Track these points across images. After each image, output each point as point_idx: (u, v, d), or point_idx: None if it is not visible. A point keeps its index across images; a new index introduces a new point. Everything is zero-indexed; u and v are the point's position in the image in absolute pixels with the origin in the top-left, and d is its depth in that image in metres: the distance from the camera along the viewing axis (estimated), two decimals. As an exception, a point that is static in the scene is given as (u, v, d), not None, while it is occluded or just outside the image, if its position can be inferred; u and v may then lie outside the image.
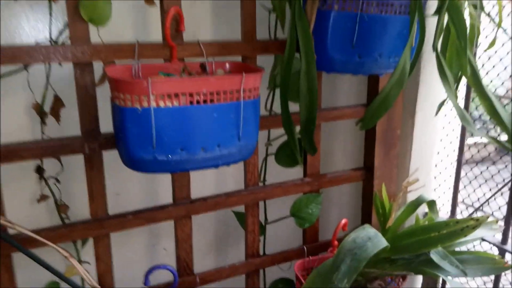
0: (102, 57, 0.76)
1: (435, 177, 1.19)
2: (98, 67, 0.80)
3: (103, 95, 0.78)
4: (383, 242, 0.84)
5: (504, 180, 1.11)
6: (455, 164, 1.12)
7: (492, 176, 1.16)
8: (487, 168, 1.12)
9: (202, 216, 1.04)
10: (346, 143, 1.21)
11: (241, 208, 1.00)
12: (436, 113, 0.99)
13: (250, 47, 0.87)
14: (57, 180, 0.88)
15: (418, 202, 0.98)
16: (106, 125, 0.79)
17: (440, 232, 0.85)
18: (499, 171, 1.16)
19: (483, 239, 1.06)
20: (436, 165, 1.18)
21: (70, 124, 0.84)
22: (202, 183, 1.02)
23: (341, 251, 0.83)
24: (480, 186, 1.25)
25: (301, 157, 0.99)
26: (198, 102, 0.70)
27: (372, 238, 0.85)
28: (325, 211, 1.20)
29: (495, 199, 1.18)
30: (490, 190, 1.22)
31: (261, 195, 0.98)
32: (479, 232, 1.00)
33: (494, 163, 1.17)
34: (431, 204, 0.99)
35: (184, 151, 0.70)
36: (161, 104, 0.67)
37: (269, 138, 1.04)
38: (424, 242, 0.88)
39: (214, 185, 1.05)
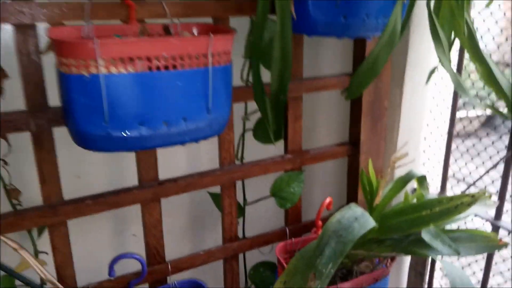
0: (47, 17, 0.65)
1: (424, 151, 1.12)
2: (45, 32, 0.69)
3: (53, 63, 0.67)
4: (370, 223, 0.77)
5: (497, 153, 1.05)
6: (445, 136, 1.05)
7: (480, 152, 1.10)
8: (480, 139, 1.06)
9: (174, 198, 0.96)
10: (330, 116, 1.13)
11: (217, 189, 0.92)
12: (427, 81, 0.91)
13: (221, 7, 0.76)
14: (5, 162, 0.78)
15: (407, 178, 0.91)
16: (57, 98, 0.68)
17: (432, 210, 0.79)
18: (492, 143, 1.09)
19: (475, 215, 1.00)
20: (425, 138, 1.11)
21: (17, 98, 0.73)
22: (172, 162, 0.93)
23: (325, 233, 0.76)
24: (472, 159, 1.19)
25: (275, 132, 0.90)
26: (158, 68, 0.60)
27: (358, 219, 0.78)
28: (308, 190, 1.12)
29: (487, 172, 1.12)
30: (483, 163, 1.16)
31: (238, 174, 0.90)
32: (473, 209, 0.94)
33: (480, 139, 1.10)
34: (421, 180, 0.92)
35: (144, 126, 0.61)
36: (113, 70, 0.57)
37: (246, 111, 0.94)
38: (414, 221, 0.81)
39: (186, 164, 0.96)
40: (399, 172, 0.96)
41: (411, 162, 1.01)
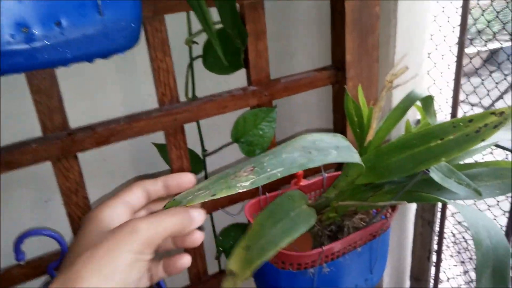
0: None
1: (428, 72, 0.90)
2: None
3: None
4: (354, 157, 0.56)
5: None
6: (455, 48, 0.82)
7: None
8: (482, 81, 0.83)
9: (112, 154, 0.75)
10: (310, 36, 0.89)
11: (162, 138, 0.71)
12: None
13: None
14: None
15: (408, 101, 0.69)
16: None
17: (445, 139, 0.57)
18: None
19: (497, 145, 0.80)
20: (429, 55, 0.88)
21: None
22: (102, 105, 0.71)
23: (290, 144, 0.53)
24: (482, 82, 0.97)
25: (231, 55, 0.68)
26: None
27: (340, 148, 0.56)
28: (284, 132, 0.91)
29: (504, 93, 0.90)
30: (497, 86, 0.95)
31: (184, 115, 0.68)
32: (497, 135, 0.73)
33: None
34: (427, 102, 0.71)
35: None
36: None
37: (190, 30, 0.71)
38: (420, 156, 0.60)
39: (123, 108, 0.73)
40: (398, 97, 0.74)
41: (413, 79, 0.79)
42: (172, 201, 0.44)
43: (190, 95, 0.74)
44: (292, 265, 0.68)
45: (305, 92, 0.88)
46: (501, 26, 0.81)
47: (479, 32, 0.90)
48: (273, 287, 0.72)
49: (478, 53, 0.90)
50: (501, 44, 0.93)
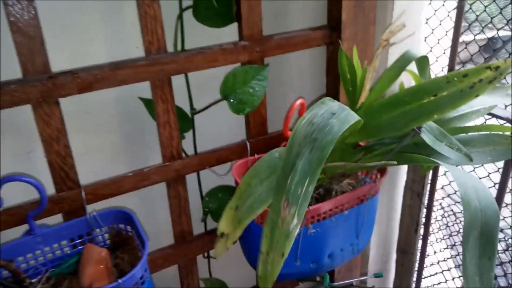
0: None
1: (425, 38, 0.88)
2: None
3: None
4: (353, 116, 0.55)
5: None
6: (454, 13, 0.80)
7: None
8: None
9: (94, 104, 0.72)
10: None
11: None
12: None
13: None
14: None
15: (403, 61, 0.67)
16: None
17: (438, 95, 0.56)
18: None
19: (491, 114, 0.78)
20: (427, 21, 0.86)
21: None
22: (85, 52, 0.68)
23: (294, 142, 0.54)
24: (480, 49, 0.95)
25: (224, 8, 0.65)
26: None
27: (337, 113, 0.55)
28: (275, 91, 0.89)
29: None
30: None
31: (172, 66, 0.66)
32: (489, 99, 0.72)
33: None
34: (423, 63, 0.69)
35: None
36: None
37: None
38: (412, 114, 0.59)
39: (104, 55, 0.70)
40: (393, 59, 0.72)
41: (410, 38, 0.77)
42: (260, 280, 0.53)
43: (179, 47, 0.71)
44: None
45: (298, 55, 0.86)
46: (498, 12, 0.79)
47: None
48: (257, 246, 0.71)
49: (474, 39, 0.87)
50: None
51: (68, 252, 0.67)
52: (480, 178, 0.94)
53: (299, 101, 0.74)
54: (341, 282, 0.86)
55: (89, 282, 0.61)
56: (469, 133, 0.69)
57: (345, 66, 0.64)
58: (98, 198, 0.67)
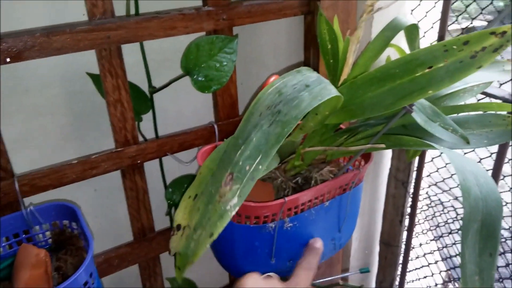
0: None
1: (412, 11, 0.80)
2: None
3: None
4: (329, 91, 0.46)
5: None
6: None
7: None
8: None
9: (34, 80, 0.62)
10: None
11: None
12: None
13: None
14: None
15: (391, 30, 0.59)
16: None
17: (434, 67, 0.47)
18: None
19: (484, 93, 0.71)
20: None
21: None
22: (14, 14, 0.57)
23: (254, 111, 0.46)
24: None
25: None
26: None
27: (311, 86, 0.47)
28: (246, 69, 0.79)
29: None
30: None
31: (119, 33, 0.56)
32: (483, 75, 0.64)
33: None
34: (412, 32, 0.61)
35: None
36: None
37: None
38: (403, 89, 0.50)
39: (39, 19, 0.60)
40: (377, 30, 0.64)
41: (396, 7, 0.68)
42: (179, 256, 0.45)
43: (132, 12, 0.61)
44: (250, 218, 0.58)
45: (272, 29, 0.77)
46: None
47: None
48: (227, 243, 0.62)
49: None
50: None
51: (1, 253, 0.57)
52: (470, 165, 0.88)
53: (273, 78, 0.65)
54: (323, 279, 0.78)
55: (22, 290, 0.51)
56: (462, 113, 0.61)
57: (325, 33, 0.55)
58: (36, 190, 0.57)
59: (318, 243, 0.61)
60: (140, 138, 0.68)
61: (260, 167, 0.41)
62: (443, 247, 0.99)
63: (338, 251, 0.78)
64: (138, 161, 0.64)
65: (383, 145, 0.53)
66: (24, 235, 0.58)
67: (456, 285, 1.29)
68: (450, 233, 0.93)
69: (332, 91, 0.46)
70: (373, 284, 1.15)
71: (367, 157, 0.68)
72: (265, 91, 0.48)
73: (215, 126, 0.70)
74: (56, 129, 0.67)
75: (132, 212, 0.68)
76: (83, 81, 0.65)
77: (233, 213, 0.41)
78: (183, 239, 0.45)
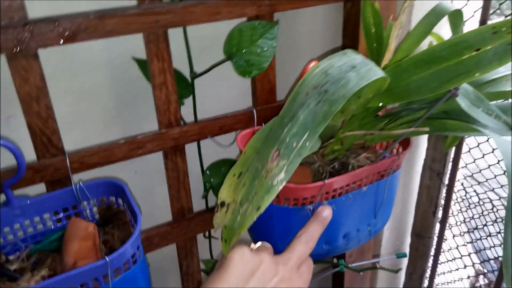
0: None
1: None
2: None
3: None
4: (376, 72, 0.47)
5: None
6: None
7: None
8: None
9: (81, 65, 0.65)
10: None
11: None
12: None
13: None
14: None
15: (435, 16, 0.59)
16: None
17: (482, 49, 0.47)
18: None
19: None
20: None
21: None
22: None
23: (300, 90, 0.47)
24: None
25: None
26: None
27: (358, 67, 0.47)
28: (283, 56, 0.80)
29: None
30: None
31: (167, 17, 0.58)
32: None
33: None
34: (456, 18, 0.60)
35: None
36: None
37: None
38: (449, 72, 0.50)
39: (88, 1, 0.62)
40: (417, 18, 0.63)
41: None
42: (225, 230, 0.46)
43: (178, -1, 0.63)
44: (289, 200, 0.59)
45: (310, 16, 0.77)
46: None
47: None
48: (266, 224, 0.63)
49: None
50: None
51: (51, 227, 0.60)
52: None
53: (312, 64, 0.66)
54: (360, 263, 0.78)
55: (73, 260, 0.54)
56: (505, 100, 0.61)
57: (369, 17, 0.56)
58: (85, 167, 0.60)
59: (326, 212, 0.56)
60: (182, 123, 0.70)
61: (307, 144, 0.42)
62: (476, 240, 0.98)
63: (371, 239, 0.79)
64: (180, 143, 0.66)
65: (426, 128, 0.53)
66: (72, 210, 0.60)
67: (485, 280, 1.27)
68: (485, 225, 0.92)
69: (378, 72, 0.47)
70: (403, 275, 1.14)
71: (405, 144, 0.68)
72: (310, 72, 0.49)
73: (254, 111, 0.71)
74: (101, 112, 0.70)
75: (172, 193, 0.70)
76: (126, 66, 0.67)
77: (280, 187, 0.42)
78: (229, 213, 0.47)
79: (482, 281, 1.23)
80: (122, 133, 0.71)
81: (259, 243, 0.52)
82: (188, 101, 0.71)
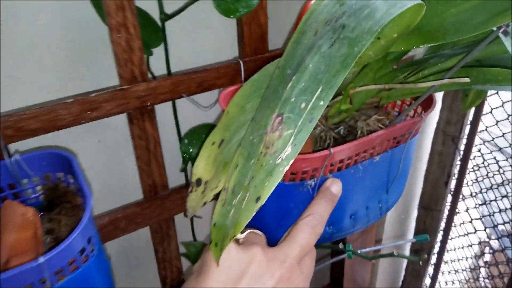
0: None
1: None
2: None
3: None
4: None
5: None
6: None
7: None
8: None
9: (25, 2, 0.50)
10: None
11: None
12: None
13: None
14: None
15: None
16: None
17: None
18: None
19: None
20: None
21: None
22: None
23: (304, 29, 0.34)
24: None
25: None
26: None
27: (383, -8, 0.34)
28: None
29: None
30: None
31: None
32: None
33: None
34: None
35: None
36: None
37: None
38: (497, 4, 0.38)
39: None
40: None
41: None
42: (215, 229, 0.34)
43: None
44: (285, 174, 0.47)
45: None
46: None
47: None
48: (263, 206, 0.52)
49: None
50: None
51: (-17, 212, 0.48)
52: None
53: (313, 0, 0.53)
54: (371, 248, 0.67)
55: (6, 257, 0.42)
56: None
57: None
58: (24, 135, 0.47)
59: (335, 186, 0.46)
60: (150, 77, 0.56)
61: (321, 103, 0.30)
62: (493, 213, 0.89)
63: (380, 218, 0.68)
64: (148, 103, 0.53)
65: (467, 79, 0.41)
66: (9, 190, 0.48)
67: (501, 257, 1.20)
68: (505, 196, 0.82)
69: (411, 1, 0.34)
70: (407, 252, 1.05)
71: (428, 103, 0.56)
72: (319, 3, 0.36)
73: (241, 63, 0.58)
74: (50, 64, 0.56)
75: (141, 166, 0.58)
76: (82, 4, 0.53)
77: (287, 168, 0.30)
78: (218, 205, 0.35)
79: (496, 258, 1.15)
80: (80, 91, 0.57)
81: (247, 231, 0.40)
82: (159, 51, 0.58)
